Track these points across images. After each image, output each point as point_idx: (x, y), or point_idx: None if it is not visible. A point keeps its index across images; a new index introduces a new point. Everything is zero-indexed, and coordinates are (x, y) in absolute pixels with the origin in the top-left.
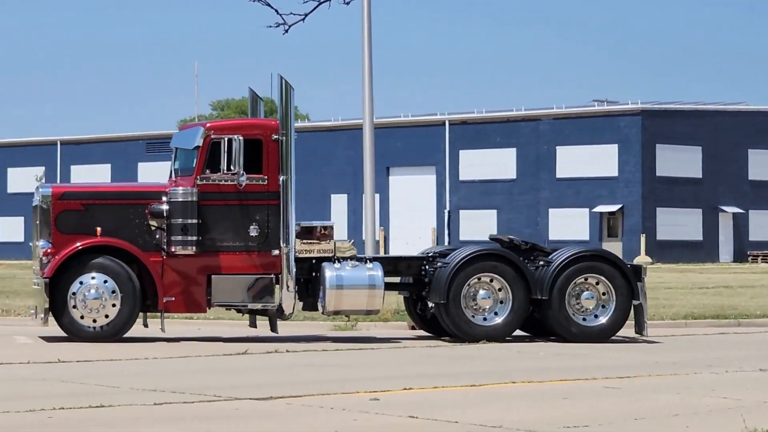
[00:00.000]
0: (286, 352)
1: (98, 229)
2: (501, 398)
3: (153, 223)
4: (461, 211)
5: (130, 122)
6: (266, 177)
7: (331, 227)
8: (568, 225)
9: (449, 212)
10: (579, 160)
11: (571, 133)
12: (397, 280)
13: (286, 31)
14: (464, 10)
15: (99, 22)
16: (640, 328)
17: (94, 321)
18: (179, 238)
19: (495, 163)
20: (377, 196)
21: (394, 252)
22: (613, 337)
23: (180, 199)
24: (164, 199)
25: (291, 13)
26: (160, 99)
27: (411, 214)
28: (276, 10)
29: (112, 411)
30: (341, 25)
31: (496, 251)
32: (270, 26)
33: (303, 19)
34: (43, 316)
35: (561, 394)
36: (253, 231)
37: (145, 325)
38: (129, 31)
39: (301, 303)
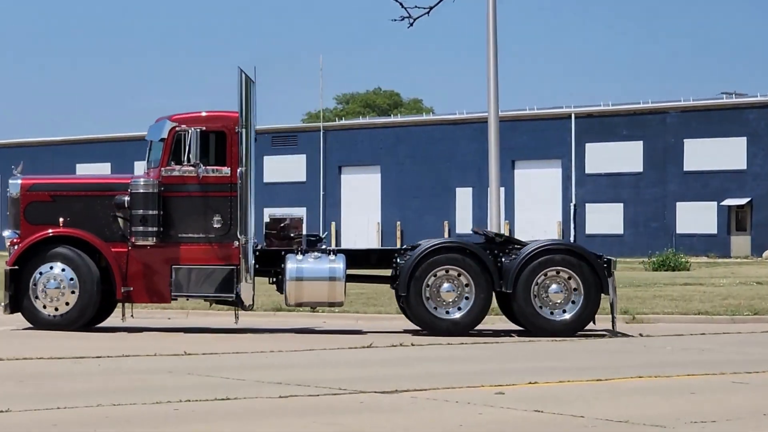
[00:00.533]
0: (411, 346)
1: (61, 219)
2: (627, 393)
3: (119, 214)
4: (587, 205)
5: (257, 116)
6: (229, 169)
7: (299, 219)
8: (695, 219)
9: (575, 206)
10: (707, 153)
11: (699, 125)
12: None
13: (411, 24)
14: (590, 2)
15: (218, 16)
16: (611, 323)
17: (56, 309)
18: (140, 229)
19: (621, 156)
20: (502, 189)
21: None
22: (742, 331)
23: (141, 191)
24: (128, 190)
25: (416, 7)
26: (285, 93)
27: (536, 208)
28: (401, 4)
29: (237, 403)
30: (466, 17)
31: (458, 244)
32: (395, 20)
33: (428, 13)
34: (6, 304)
35: (688, 389)
36: (216, 222)
37: (122, 317)
38: (252, 24)
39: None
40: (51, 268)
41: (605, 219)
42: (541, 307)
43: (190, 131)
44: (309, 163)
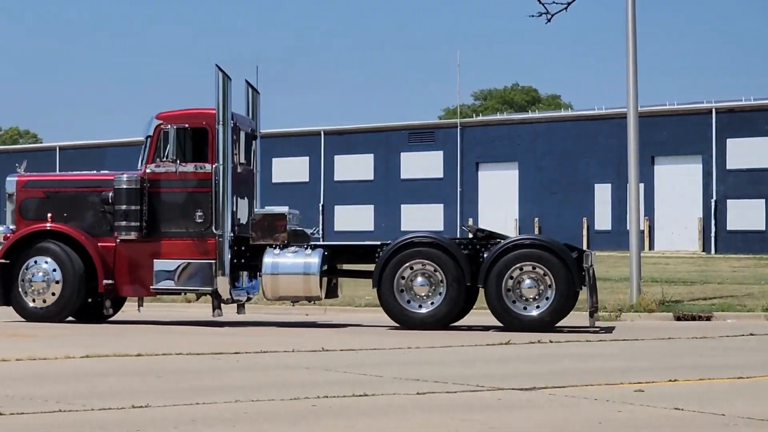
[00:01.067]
0: (549, 343)
1: (49, 215)
2: None
3: (106, 210)
4: (728, 201)
5: (393, 112)
6: (210, 165)
7: (284, 215)
8: None
9: (716, 202)
10: None
11: None
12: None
13: (549, 20)
14: None
15: (362, 15)
16: (589, 317)
17: (44, 301)
18: (123, 223)
19: (763, 152)
20: (641, 185)
21: (660, 243)
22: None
23: (124, 187)
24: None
25: (553, 2)
26: (422, 89)
27: (676, 204)
28: (539, 0)
29: (375, 400)
30: (604, 12)
31: (431, 238)
32: (533, 15)
33: (566, 8)
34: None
35: None
36: (198, 218)
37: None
38: (392, 21)
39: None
40: (36, 262)
41: (746, 215)
42: (513, 302)
43: (172, 128)
44: (446, 160)
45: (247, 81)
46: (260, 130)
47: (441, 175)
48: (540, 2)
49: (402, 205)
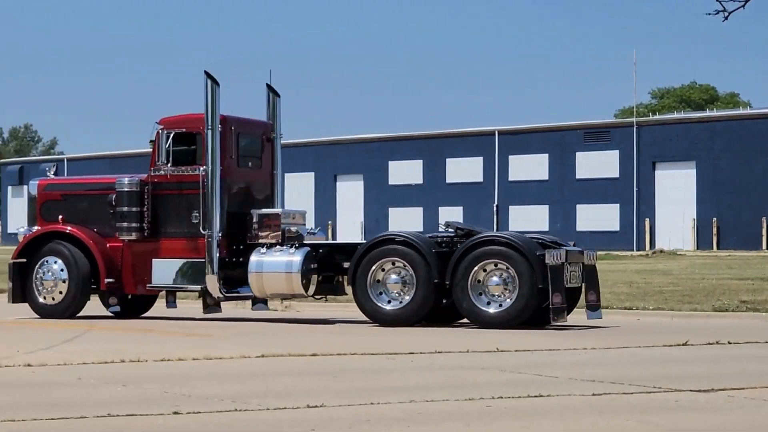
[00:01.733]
0: (728, 344)
1: (60, 217)
2: None
3: (112, 211)
4: None
5: (568, 111)
6: (205, 168)
7: (278, 215)
8: None
9: None
10: None
11: None
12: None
13: (726, 18)
14: None
15: (539, 14)
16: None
17: (53, 299)
18: (124, 225)
19: None
20: None
21: None
22: None
23: (125, 190)
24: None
25: (731, 0)
26: (598, 87)
27: None
28: None
29: (550, 401)
30: None
31: (402, 236)
32: (709, 13)
33: (743, 6)
34: (9, 294)
35: None
36: (194, 219)
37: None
38: (566, 20)
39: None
40: (47, 261)
41: None
42: (478, 298)
43: (171, 133)
44: (622, 159)
45: (267, 85)
46: (280, 132)
47: (617, 175)
48: (717, 0)
49: (577, 205)
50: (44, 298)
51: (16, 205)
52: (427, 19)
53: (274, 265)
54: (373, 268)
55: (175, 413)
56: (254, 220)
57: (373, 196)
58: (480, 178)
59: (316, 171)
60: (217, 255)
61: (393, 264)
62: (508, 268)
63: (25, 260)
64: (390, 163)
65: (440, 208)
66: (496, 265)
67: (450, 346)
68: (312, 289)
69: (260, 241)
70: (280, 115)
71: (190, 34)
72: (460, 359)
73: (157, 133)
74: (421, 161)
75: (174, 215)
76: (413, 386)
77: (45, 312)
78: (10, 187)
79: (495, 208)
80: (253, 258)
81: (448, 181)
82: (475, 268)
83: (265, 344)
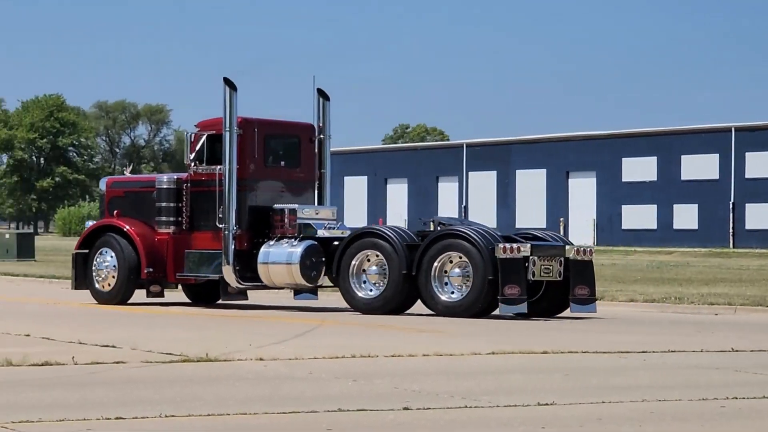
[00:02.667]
0: None
1: (116, 212)
2: None
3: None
4: None
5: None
6: (222, 167)
7: (293, 210)
8: None
9: None
10: None
11: None
12: None
13: None
14: None
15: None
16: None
17: (108, 285)
18: (163, 219)
19: None
20: None
21: None
22: None
23: (164, 187)
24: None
25: None
26: None
27: None
28: None
29: None
30: None
31: (377, 230)
32: None
33: None
34: (72, 281)
35: None
36: (220, 213)
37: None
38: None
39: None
40: (103, 252)
41: None
42: (439, 290)
43: (202, 134)
44: None
45: (318, 89)
46: (329, 133)
47: None
48: None
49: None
50: (101, 285)
51: None
52: (659, 15)
53: (277, 256)
54: (353, 260)
55: (405, 409)
56: (272, 215)
57: (605, 193)
58: (715, 175)
59: (547, 168)
60: (233, 247)
61: (367, 256)
62: (463, 260)
63: (87, 251)
64: (623, 159)
65: (674, 206)
66: (451, 259)
67: (683, 345)
68: (318, 280)
69: (277, 234)
70: (330, 117)
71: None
72: (693, 359)
73: (195, 134)
74: (655, 158)
75: (204, 210)
76: (645, 385)
77: (100, 298)
78: None
79: (731, 206)
80: (262, 250)
81: (683, 178)
82: (437, 260)
83: (494, 341)
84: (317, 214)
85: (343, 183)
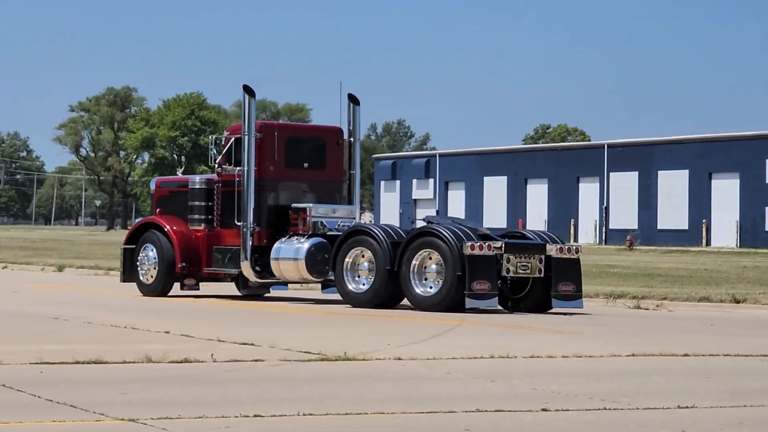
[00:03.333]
0: None
1: (158, 210)
2: None
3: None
4: None
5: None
6: (256, 169)
7: (306, 209)
8: None
9: None
10: None
11: None
12: None
13: None
14: None
15: None
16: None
17: (151, 278)
18: (195, 217)
19: None
20: None
21: None
22: None
23: (196, 187)
24: None
25: None
26: None
27: None
28: None
29: None
30: None
31: (366, 228)
32: None
33: None
34: (121, 274)
35: None
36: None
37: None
38: None
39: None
40: (146, 248)
41: None
42: (417, 284)
43: (230, 138)
44: None
45: (349, 95)
46: (359, 136)
47: None
48: None
49: None
50: (144, 278)
51: (389, 200)
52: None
53: (286, 252)
54: (347, 256)
55: (544, 410)
56: (290, 213)
57: (749, 195)
58: None
59: (690, 168)
60: (250, 244)
61: (361, 252)
62: (437, 257)
63: (133, 246)
64: (767, 160)
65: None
66: (429, 255)
67: None
68: (326, 275)
69: (291, 231)
70: (360, 121)
71: None
72: None
73: (225, 138)
74: None
75: (230, 209)
76: None
77: (144, 291)
78: (383, 182)
79: None
80: (275, 246)
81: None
82: (415, 257)
83: (634, 343)
84: (334, 212)
85: (482, 183)
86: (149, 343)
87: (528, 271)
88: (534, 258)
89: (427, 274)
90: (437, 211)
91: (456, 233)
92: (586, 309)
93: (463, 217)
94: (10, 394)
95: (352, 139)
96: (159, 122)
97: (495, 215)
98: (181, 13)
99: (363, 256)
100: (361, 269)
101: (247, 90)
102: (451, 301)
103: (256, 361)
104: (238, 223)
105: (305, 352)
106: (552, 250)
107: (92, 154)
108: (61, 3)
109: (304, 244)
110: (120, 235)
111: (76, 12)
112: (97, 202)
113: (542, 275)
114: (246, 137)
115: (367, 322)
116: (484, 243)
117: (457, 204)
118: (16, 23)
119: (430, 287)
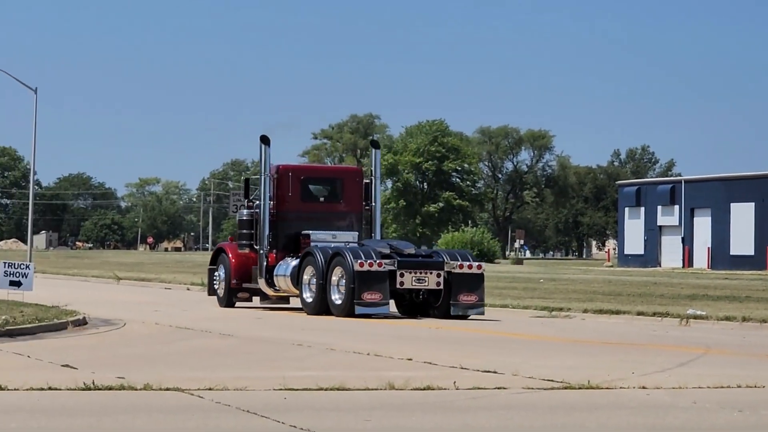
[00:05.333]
0: None
1: (230, 237)
2: None
3: None
4: None
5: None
6: (274, 202)
7: (308, 235)
8: None
9: None
10: None
11: None
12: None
13: None
14: None
15: None
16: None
17: (221, 292)
18: (243, 242)
19: None
20: None
21: None
22: None
23: (243, 218)
24: None
25: None
26: None
27: None
28: None
29: None
30: None
31: (311, 250)
32: None
33: None
34: (208, 290)
35: None
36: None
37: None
38: None
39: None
40: (219, 267)
41: None
42: (335, 296)
43: (258, 178)
44: None
45: (371, 141)
46: (378, 175)
47: None
48: None
49: None
50: (218, 292)
51: (633, 227)
52: None
53: (281, 270)
54: (304, 273)
55: None
56: (302, 238)
57: None
58: None
59: None
60: (265, 264)
61: (340, 269)
62: (343, 272)
63: (215, 267)
64: None
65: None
66: (341, 270)
67: None
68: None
69: (300, 254)
70: (378, 162)
71: None
72: None
73: (258, 178)
74: None
75: (260, 236)
76: None
77: (218, 303)
78: (627, 209)
79: None
80: (278, 264)
81: None
82: (333, 273)
83: None
84: (334, 237)
85: (729, 209)
86: (391, 370)
87: (425, 284)
88: (431, 273)
89: (339, 286)
90: (381, 236)
91: (357, 253)
92: None
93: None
94: (255, 420)
95: (372, 177)
96: (402, 149)
97: (742, 242)
98: (423, 42)
99: (312, 273)
100: (311, 284)
101: (264, 140)
102: (349, 308)
103: (498, 389)
104: (256, 247)
105: (548, 380)
106: (453, 266)
107: None
108: (301, 36)
109: (292, 263)
110: None
111: (318, 42)
112: None
113: (441, 288)
114: (261, 179)
115: (607, 350)
116: (375, 261)
117: (702, 230)
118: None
119: (341, 297)
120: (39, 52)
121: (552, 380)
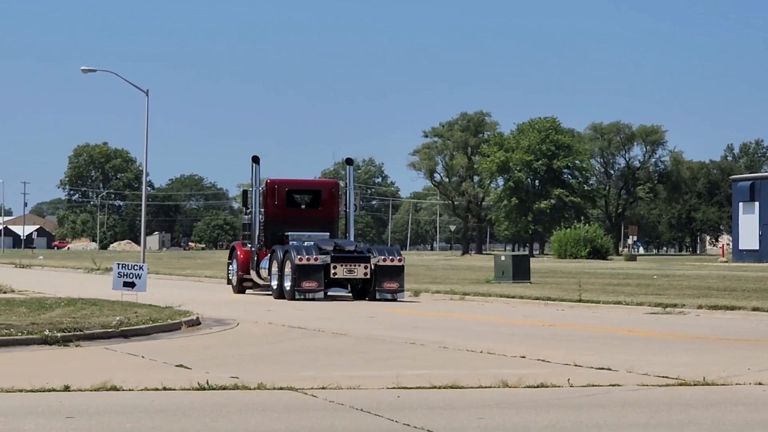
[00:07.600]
0: None
1: (241, 236)
2: None
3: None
4: None
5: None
6: (263, 209)
7: (287, 235)
8: None
9: None
10: None
11: None
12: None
13: None
14: None
15: None
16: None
17: (234, 282)
18: (246, 241)
19: None
20: None
21: None
22: None
23: (245, 222)
24: None
25: None
26: None
27: None
28: None
29: None
30: None
31: (276, 247)
32: None
33: None
34: (228, 281)
35: None
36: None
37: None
38: None
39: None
40: (232, 261)
41: None
42: (287, 283)
43: (257, 190)
44: None
45: (346, 159)
46: (353, 188)
47: None
48: None
49: None
50: (233, 282)
51: (748, 222)
52: None
53: (263, 263)
54: (270, 265)
55: None
56: (284, 238)
57: None
58: None
59: None
60: (255, 258)
61: (274, 263)
62: (291, 264)
63: (230, 261)
64: None
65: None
66: (291, 263)
67: None
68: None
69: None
70: (352, 176)
71: None
72: None
73: (250, 190)
74: None
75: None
76: None
77: (233, 290)
78: (741, 204)
79: None
80: (264, 259)
81: None
82: (286, 265)
83: None
84: (309, 237)
85: None
86: (505, 367)
87: (355, 275)
88: (360, 265)
89: (289, 276)
90: (354, 237)
91: (300, 250)
92: None
93: None
94: (368, 418)
95: (347, 189)
96: (515, 146)
97: None
98: (534, 42)
99: (276, 266)
100: (274, 274)
101: (254, 159)
102: (292, 294)
103: (612, 386)
104: (248, 244)
105: (663, 377)
106: (377, 260)
107: (446, 179)
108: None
109: (266, 257)
110: (475, 260)
111: (426, 43)
112: (452, 227)
113: (369, 277)
114: (253, 190)
115: (723, 346)
116: (313, 256)
117: None
118: (373, 56)
119: (290, 285)
120: (151, 54)
121: (667, 377)
